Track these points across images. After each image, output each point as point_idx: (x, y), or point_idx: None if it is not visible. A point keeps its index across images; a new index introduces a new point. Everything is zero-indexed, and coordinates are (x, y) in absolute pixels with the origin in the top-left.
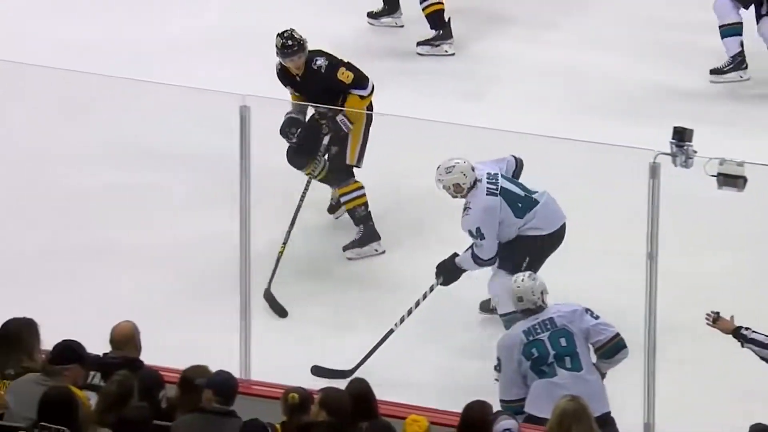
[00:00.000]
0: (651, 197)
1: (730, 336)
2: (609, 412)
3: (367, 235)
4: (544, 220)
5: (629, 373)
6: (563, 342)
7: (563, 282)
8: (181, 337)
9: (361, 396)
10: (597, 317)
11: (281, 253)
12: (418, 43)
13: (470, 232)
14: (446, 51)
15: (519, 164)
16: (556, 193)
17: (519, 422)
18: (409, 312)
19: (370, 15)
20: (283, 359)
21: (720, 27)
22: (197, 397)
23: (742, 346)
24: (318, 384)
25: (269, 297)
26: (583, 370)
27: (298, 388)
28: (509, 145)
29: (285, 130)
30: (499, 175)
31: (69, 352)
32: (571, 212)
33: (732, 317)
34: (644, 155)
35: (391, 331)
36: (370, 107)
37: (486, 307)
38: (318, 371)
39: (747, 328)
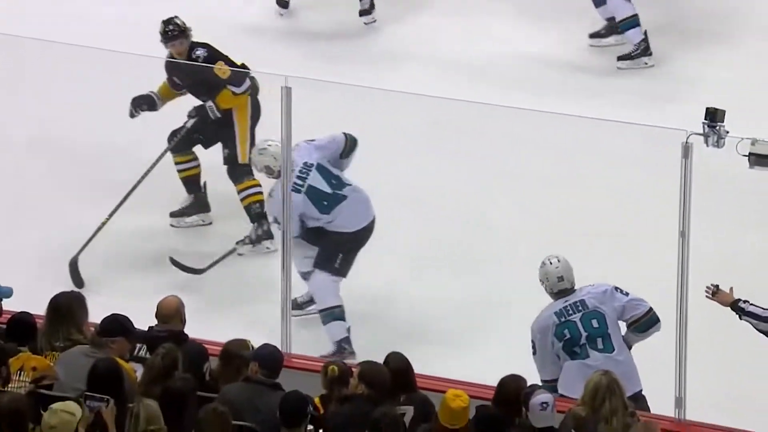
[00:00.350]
0: (683, 177)
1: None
2: (641, 390)
3: (262, 232)
4: (348, 218)
5: (661, 349)
6: (595, 323)
7: (597, 262)
8: (226, 312)
9: (400, 370)
10: (627, 293)
11: (103, 224)
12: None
13: (274, 218)
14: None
15: (349, 144)
16: (590, 174)
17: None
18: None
19: None
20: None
21: (618, 22)
22: (239, 370)
23: (740, 318)
24: (356, 359)
25: (73, 266)
26: (615, 351)
27: (338, 361)
28: (544, 127)
29: (134, 103)
30: (314, 168)
31: (116, 325)
32: (605, 193)
33: (731, 289)
34: (677, 135)
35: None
36: (256, 106)
37: (297, 305)
38: (174, 263)
39: (745, 301)
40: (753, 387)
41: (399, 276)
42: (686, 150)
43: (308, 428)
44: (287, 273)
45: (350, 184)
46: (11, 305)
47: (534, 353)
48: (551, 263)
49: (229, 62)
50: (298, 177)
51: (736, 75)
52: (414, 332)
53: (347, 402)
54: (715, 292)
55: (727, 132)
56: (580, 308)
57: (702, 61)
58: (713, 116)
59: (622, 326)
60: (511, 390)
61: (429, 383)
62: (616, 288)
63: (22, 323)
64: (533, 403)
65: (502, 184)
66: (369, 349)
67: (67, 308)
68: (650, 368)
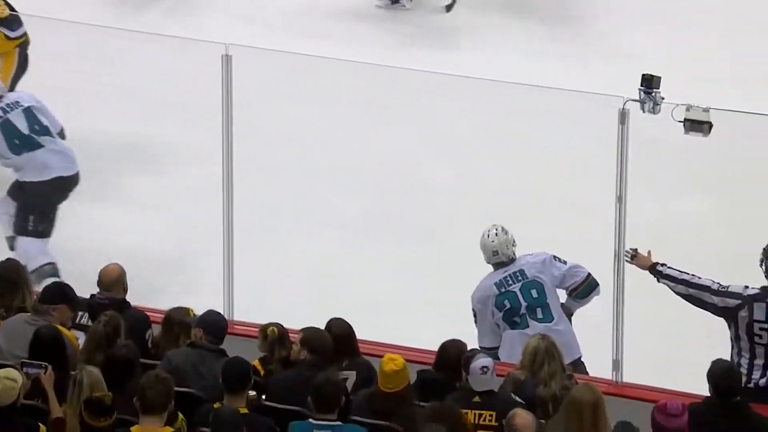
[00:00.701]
0: (620, 142)
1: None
2: (580, 357)
3: None
4: (40, 167)
5: (599, 313)
6: (534, 293)
7: (533, 229)
8: (169, 280)
9: (342, 335)
10: (565, 262)
11: None
12: None
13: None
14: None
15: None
16: (524, 141)
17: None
18: None
19: None
20: (264, 301)
21: None
22: (179, 337)
23: (658, 281)
24: (299, 323)
25: None
26: (554, 320)
27: (275, 323)
28: (482, 92)
29: None
30: (21, 108)
31: (57, 292)
32: (544, 157)
33: (649, 253)
34: (614, 102)
35: None
36: (24, 59)
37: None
38: None
39: (663, 264)
40: (685, 349)
41: (340, 244)
42: (623, 116)
43: (251, 394)
44: (229, 240)
45: (54, 138)
46: None
47: (475, 322)
48: (488, 236)
49: (9, 6)
50: (1, 108)
51: (670, 41)
52: (357, 299)
53: (290, 367)
54: (634, 256)
55: (663, 98)
56: (520, 278)
57: (636, 27)
58: (649, 83)
59: (562, 295)
60: (452, 354)
61: (372, 349)
62: (555, 257)
63: None
64: (474, 367)
65: (441, 150)
66: (311, 317)
67: (8, 277)
68: (588, 332)
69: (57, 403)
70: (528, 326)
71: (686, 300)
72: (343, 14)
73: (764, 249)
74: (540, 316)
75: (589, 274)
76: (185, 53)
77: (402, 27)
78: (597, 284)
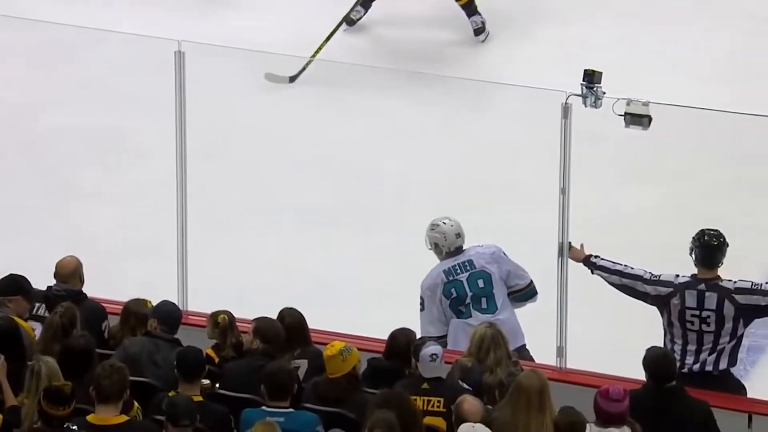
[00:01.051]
0: (563, 136)
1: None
2: (524, 345)
3: None
4: None
5: (544, 301)
6: (481, 283)
7: (480, 219)
8: (126, 271)
9: (294, 325)
10: (513, 261)
11: None
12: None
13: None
14: None
15: None
16: (470, 134)
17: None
18: None
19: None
20: (218, 291)
21: None
22: (136, 328)
23: (592, 273)
24: (253, 313)
25: None
26: (498, 311)
27: (225, 310)
28: (429, 86)
29: None
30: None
31: (12, 284)
32: (489, 152)
33: (582, 246)
34: (556, 96)
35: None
36: None
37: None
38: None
39: (596, 256)
40: (626, 336)
41: (294, 234)
42: (565, 110)
43: (205, 382)
44: (182, 232)
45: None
46: None
47: (422, 310)
48: (434, 229)
49: None
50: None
51: (609, 35)
52: (311, 288)
53: (242, 354)
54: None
55: (604, 93)
56: (468, 268)
57: (578, 22)
58: (591, 78)
59: None
60: (402, 343)
61: (323, 338)
62: (503, 252)
63: None
64: (423, 354)
65: (390, 142)
66: (266, 306)
67: None
68: (533, 320)
69: (11, 392)
70: (471, 316)
71: (620, 290)
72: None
73: (693, 238)
74: (484, 306)
75: (532, 282)
76: (140, 49)
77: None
78: (536, 293)
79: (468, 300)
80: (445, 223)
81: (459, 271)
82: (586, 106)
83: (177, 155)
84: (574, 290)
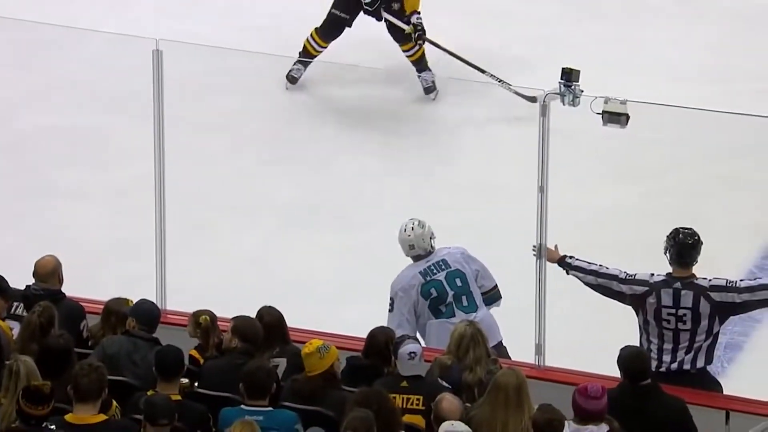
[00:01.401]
0: (541, 134)
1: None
2: (501, 341)
3: None
4: None
5: (522, 299)
6: (458, 282)
7: (456, 219)
8: (105, 271)
9: (272, 323)
10: (480, 262)
11: None
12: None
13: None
14: None
15: None
16: (452, 132)
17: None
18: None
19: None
20: (197, 290)
21: None
22: (116, 326)
23: (567, 274)
24: (232, 312)
25: None
26: (477, 309)
27: (206, 310)
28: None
29: None
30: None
31: None
32: (467, 150)
33: (556, 247)
34: (534, 95)
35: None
36: None
37: None
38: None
39: (571, 257)
40: (605, 334)
41: (271, 232)
42: (543, 108)
43: (183, 381)
44: (161, 231)
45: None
46: None
47: (390, 311)
48: (405, 231)
49: None
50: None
51: (590, 34)
52: (289, 288)
53: (222, 356)
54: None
55: (582, 91)
56: (443, 267)
57: (557, 20)
58: (569, 76)
59: None
60: (381, 341)
61: (302, 336)
62: (470, 254)
63: None
64: (401, 352)
65: (366, 140)
66: (244, 305)
67: None
68: (511, 318)
69: None
70: (454, 315)
71: (596, 290)
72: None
73: (667, 237)
74: (465, 304)
75: (497, 285)
76: (119, 48)
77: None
78: (500, 297)
79: (449, 299)
80: (416, 226)
81: (435, 270)
82: (564, 104)
83: (155, 153)
84: (553, 288)
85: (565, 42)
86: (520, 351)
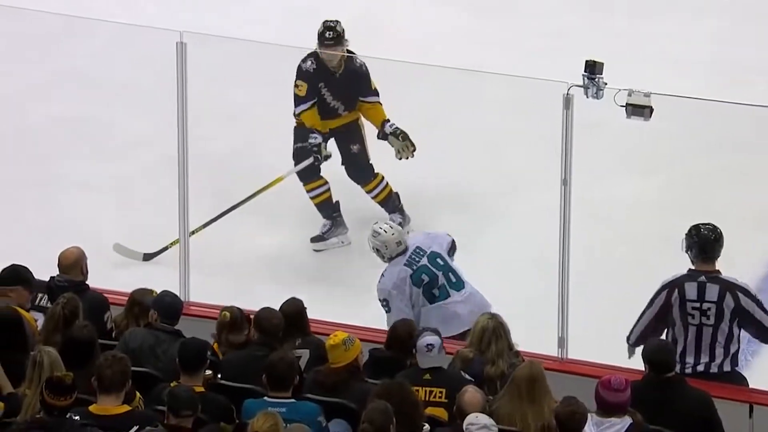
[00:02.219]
0: (564, 127)
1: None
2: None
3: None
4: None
5: (546, 292)
6: (440, 261)
7: (480, 210)
8: (126, 262)
9: (294, 315)
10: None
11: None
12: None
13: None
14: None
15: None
16: (477, 125)
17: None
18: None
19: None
20: (221, 284)
21: None
22: (139, 317)
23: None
24: (255, 305)
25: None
26: (464, 283)
27: (232, 307)
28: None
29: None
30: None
31: (14, 274)
32: (491, 143)
33: None
34: (558, 87)
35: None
36: None
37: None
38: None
39: (628, 337)
40: (628, 327)
41: (298, 228)
42: (567, 101)
43: (207, 373)
44: (185, 222)
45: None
46: None
47: (388, 311)
48: (386, 232)
49: None
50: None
51: (614, 26)
52: (315, 280)
53: (243, 347)
54: None
55: (606, 84)
56: (421, 253)
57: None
58: (592, 68)
59: None
60: (403, 333)
61: (324, 328)
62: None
63: None
64: (419, 344)
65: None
66: (266, 298)
67: None
68: (534, 310)
69: (7, 380)
70: (448, 295)
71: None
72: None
73: (688, 234)
74: (454, 280)
75: (451, 238)
76: (141, 40)
77: None
78: (456, 247)
79: (441, 280)
80: (386, 231)
81: (417, 258)
82: (587, 97)
83: (179, 146)
84: (576, 280)
85: (584, 35)
86: (543, 343)
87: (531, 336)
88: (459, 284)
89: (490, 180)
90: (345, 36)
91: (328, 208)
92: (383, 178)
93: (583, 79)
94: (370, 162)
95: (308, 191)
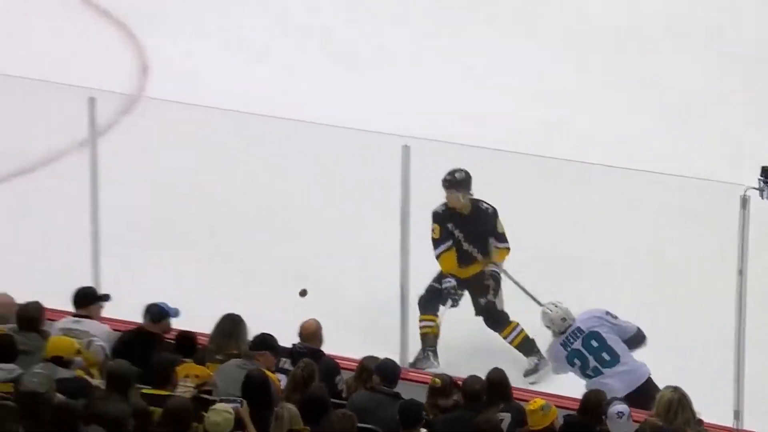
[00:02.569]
0: (742, 224)
1: None
2: (650, 377)
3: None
4: None
5: (721, 366)
6: (594, 343)
7: (666, 295)
8: (356, 331)
9: (497, 382)
10: (616, 317)
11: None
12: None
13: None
14: None
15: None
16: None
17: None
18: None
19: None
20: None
21: None
22: (366, 381)
23: None
24: (464, 373)
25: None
26: (620, 358)
27: (443, 374)
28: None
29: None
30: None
31: (263, 341)
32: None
33: None
34: (735, 189)
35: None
36: None
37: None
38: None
39: None
40: None
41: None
42: (744, 201)
43: (422, 431)
44: (404, 294)
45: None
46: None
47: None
48: (551, 311)
49: None
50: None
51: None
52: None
53: (450, 411)
54: None
55: None
56: (578, 334)
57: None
58: (767, 173)
59: None
60: (593, 401)
61: (524, 395)
62: (607, 312)
63: (187, 339)
64: (611, 412)
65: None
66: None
67: (233, 329)
68: (710, 381)
69: (254, 429)
70: (602, 373)
71: None
72: None
73: None
74: (608, 359)
75: (639, 329)
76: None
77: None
78: (645, 337)
79: (592, 363)
80: (551, 311)
81: (572, 340)
82: (762, 198)
83: (402, 240)
84: (752, 350)
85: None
86: (718, 414)
87: (705, 407)
88: (613, 362)
89: (674, 267)
90: (470, 181)
91: (426, 342)
92: (517, 324)
93: (759, 182)
94: (502, 309)
95: (420, 320)
